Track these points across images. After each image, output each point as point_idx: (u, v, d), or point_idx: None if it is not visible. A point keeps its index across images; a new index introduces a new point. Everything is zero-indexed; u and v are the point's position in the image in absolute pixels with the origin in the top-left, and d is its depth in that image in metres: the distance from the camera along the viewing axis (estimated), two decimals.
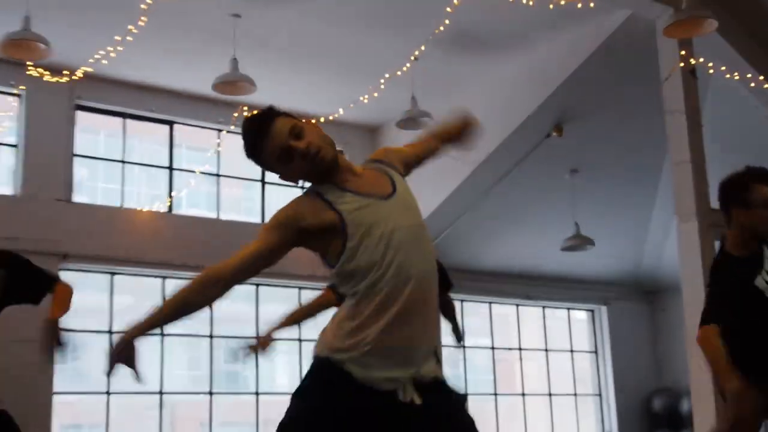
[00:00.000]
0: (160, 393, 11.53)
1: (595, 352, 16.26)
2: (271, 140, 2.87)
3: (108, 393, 11.06)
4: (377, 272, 2.75)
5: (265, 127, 2.89)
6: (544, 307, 15.65)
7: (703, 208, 9.68)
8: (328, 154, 2.87)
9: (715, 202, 9.90)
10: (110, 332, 11.18)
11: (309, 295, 13.01)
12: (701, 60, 10.01)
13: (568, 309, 16.04)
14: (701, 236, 9.59)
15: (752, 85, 10.34)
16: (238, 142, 10.32)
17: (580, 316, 16.33)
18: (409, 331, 2.76)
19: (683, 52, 9.79)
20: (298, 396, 2.96)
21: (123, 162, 11.97)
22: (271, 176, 11.67)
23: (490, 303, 14.90)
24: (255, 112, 3.05)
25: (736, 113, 11.36)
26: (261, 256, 2.84)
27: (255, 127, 2.94)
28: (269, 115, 2.92)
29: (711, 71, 10.17)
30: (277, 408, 12.02)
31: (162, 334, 11.70)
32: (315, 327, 12.87)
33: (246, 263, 2.83)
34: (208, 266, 2.87)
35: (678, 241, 9.88)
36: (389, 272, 2.75)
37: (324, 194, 2.87)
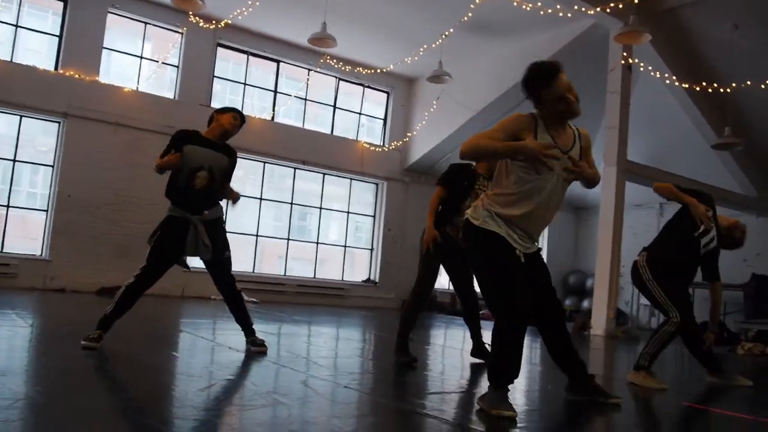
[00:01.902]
0: (256, 235, 11.94)
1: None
2: (560, 81, 2.94)
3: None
4: (533, 188, 2.92)
5: (558, 73, 2.95)
6: None
7: (621, 158, 9.71)
8: (577, 113, 2.99)
9: (630, 156, 9.98)
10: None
11: (358, 186, 13.36)
12: (636, 60, 9.85)
13: None
14: (617, 177, 9.66)
15: (667, 82, 10.17)
16: (321, 78, 10.33)
17: None
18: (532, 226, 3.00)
19: (625, 54, 9.65)
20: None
21: (245, 83, 12.01)
22: (340, 102, 11.78)
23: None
24: (549, 62, 3.03)
25: (654, 99, 11.19)
26: (491, 136, 2.90)
27: (555, 68, 2.96)
28: (560, 67, 2.98)
29: (641, 69, 10.01)
30: (329, 252, 12.29)
31: (260, 198, 12.02)
32: (360, 203, 13.08)
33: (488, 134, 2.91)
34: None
35: (603, 178, 9.93)
36: (538, 194, 2.93)
37: (538, 124, 2.96)
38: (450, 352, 5.77)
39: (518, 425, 2.64)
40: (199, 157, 4.08)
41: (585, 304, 15.13)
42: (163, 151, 4.12)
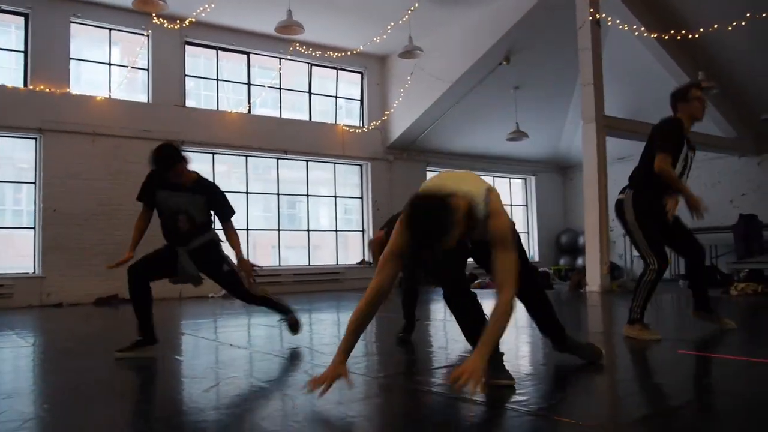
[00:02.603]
0: (246, 229, 11.94)
1: (527, 206, 16.54)
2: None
3: (213, 228, 11.46)
4: None
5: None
6: (493, 177, 15.79)
7: (599, 115, 9.75)
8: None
9: (609, 111, 10.01)
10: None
11: (343, 169, 13.36)
12: (604, 15, 9.84)
13: (509, 178, 16.20)
14: (597, 133, 9.70)
15: (636, 33, 10.19)
16: (294, 65, 10.26)
17: (518, 183, 16.51)
18: None
19: (592, 9, 9.63)
20: None
21: (217, 79, 11.92)
22: (315, 87, 11.68)
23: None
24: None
25: (626, 52, 11.21)
26: None
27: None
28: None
29: (609, 23, 10.02)
30: (321, 238, 12.33)
31: (247, 192, 12.01)
32: (346, 186, 13.04)
33: None
34: None
35: (582, 135, 9.98)
36: None
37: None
38: (451, 325, 5.83)
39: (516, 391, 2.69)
40: (174, 204, 4.06)
41: (579, 261, 15.26)
42: (138, 194, 4.22)
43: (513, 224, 2.65)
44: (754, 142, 12.56)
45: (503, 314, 2.39)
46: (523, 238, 16.03)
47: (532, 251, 16.24)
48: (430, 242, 2.31)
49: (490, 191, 2.55)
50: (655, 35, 10.08)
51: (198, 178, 4.17)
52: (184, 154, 4.14)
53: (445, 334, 5.02)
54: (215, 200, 4.17)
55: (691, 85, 4.57)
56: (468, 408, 2.50)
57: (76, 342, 5.28)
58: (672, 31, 9.81)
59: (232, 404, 2.74)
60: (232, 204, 4.29)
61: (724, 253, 12.48)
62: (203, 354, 4.31)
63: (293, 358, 3.87)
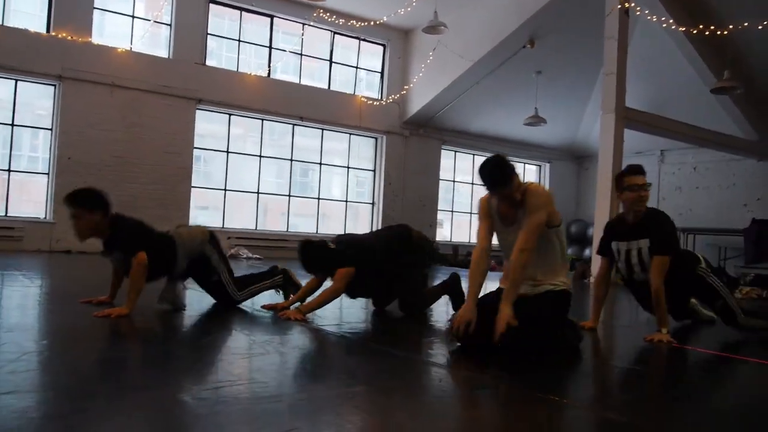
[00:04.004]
0: (257, 192, 12.00)
1: None
2: (506, 190, 3.18)
3: (225, 189, 11.57)
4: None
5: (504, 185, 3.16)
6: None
7: (619, 106, 9.64)
8: (517, 204, 3.21)
9: (630, 102, 9.91)
10: (227, 152, 11.58)
11: (357, 141, 13.35)
12: (633, 4, 9.67)
13: (524, 163, 16.12)
14: (616, 124, 9.60)
15: (664, 26, 10.02)
16: (316, 32, 10.15)
17: (532, 168, 16.45)
18: None
19: None
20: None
21: (239, 40, 11.89)
22: (336, 56, 11.59)
23: (473, 155, 15.01)
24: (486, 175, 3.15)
25: (651, 44, 11.05)
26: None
27: (497, 181, 3.15)
28: (508, 178, 3.13)
29: (638, 12, 9.85)
30: (331, 207, 12.35)
31: (260, 156, 12.04)
32: (360, 157, 12.99)
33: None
34: None
35: (601, 125, 9.89)
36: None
37: (491, 206, 3.33)
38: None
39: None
40: None
41: (587, 252, 15.24)
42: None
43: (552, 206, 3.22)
44: None
45: (515, 268, 3.02)
46: None
47: None
48: (501, 181, 3.07)
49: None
50: (684, 29, 9.91)
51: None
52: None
53: (447, 310, 5.05)
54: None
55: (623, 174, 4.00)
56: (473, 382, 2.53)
57: (82, 287, 5.38)
58: (701, 26, 9.64)
59: (226, 356, 2.79)
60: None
61: (734, 256, 12.42)
62: (206, 311, 4.36)
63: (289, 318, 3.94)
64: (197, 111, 11.07)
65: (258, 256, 10.77)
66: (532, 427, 1.95)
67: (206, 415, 1.80)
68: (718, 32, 9.49)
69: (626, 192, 3.82)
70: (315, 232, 12.74)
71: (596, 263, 9.51)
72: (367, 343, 3.36)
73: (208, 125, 11.51)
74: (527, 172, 16.35)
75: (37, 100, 10.33)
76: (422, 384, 2.46)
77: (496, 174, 3.08)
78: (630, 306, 5.52)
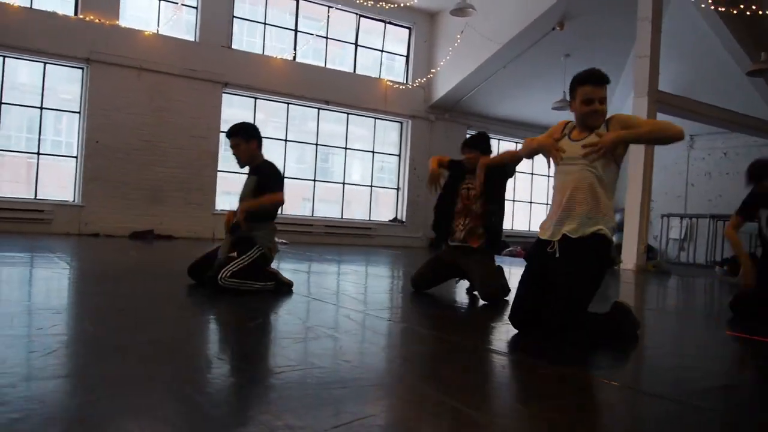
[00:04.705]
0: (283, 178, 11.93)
1: None
2: (591, 89, 2.99)
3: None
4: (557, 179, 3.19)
5: (579, 84, 3.03)
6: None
7: (652, 89, 9.43)
8: (598, 123, 3.02)
9: (661, 86, 9.68)
10: None
11: (382, 125, 13.23)
12: None
13: None
14: (648, 108, 9.41)
15: (703, 6, 9.75)
16: (342, 16, 10.02)
17: None
18: None
19: None
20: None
21: (264, 24, 11.78)
22: (361, 40, 11.48)
23: (498, 140, 14.84)
24: (582, 73, 3.06)
25: (685, 26, 10.78)
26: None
27: (578, 78, 3.04)
28: (603, 78, 3.01)
29: None
30: (353, 192, 12.28)
31: (285, 140, 11.97)
32: (385, 143, 12.88)
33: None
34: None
35: (632, 110, 9.68)
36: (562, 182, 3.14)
37: (566, 128, 3.15)
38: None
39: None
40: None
41: (613, 238, 15.01)
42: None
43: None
44: None
45: (662, 125, 3.08)
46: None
47: None
48: (605, 79, 3.01)
49: None
50: (723, 9, 9.64)
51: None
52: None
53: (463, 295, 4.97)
54: (259, 184, 4.16)
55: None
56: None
57: (117, 269, 5.36)
58: (741, 6, 9.36)
59: (279, 339, 2.73)
60: (270, 156, 4.36)
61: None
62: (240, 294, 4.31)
63: (330, 302, 3.86)
64: (223, 94, 11.01)
65: (284, 241, 10.73)
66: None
67: (276, 399, 1.73)
68: (760, 12, 9.21)
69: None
70: (340, 217, 12.69)
71: (630, 247, 9.45)
72: (414, 327, 3.28)
73: (235, 110, 11.45)
74: None
75: (62, 84, 10.33)
76: (485, 370, 2.38)
77: (601, 72, 3.02)
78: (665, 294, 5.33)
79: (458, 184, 4.53)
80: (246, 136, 4.20)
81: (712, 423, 1.85)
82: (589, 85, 3.00)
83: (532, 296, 2.97)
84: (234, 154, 4.25)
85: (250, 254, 4.02)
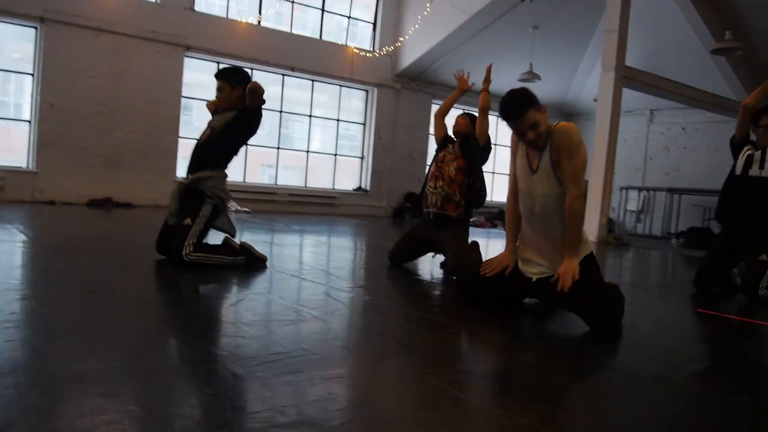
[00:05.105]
0: (246, 144, 11.64)
1: None
2: (521, 122, 2.84)
3: None
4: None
5: (521, 113, 2.83)
6: (497, 117, 15.53)
7: (620, 63, 9.50)
8: (539, 146, 2.88)
9: (631, 62, 9.75)
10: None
11: (347, 93, 13.04)
12: None
13: None
14: (615, 83, 9.48)
15: None
16: None
17: None
18: None
19: None
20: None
21: None
22: (328, 6, 11.17)
23: (464, 111, 14.78)
24: (509, 103, 2.88)
25: (651, 2, 10.84)
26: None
27: (509, 115, 2.88)
28: (518, 111, 2.83)
29: None
30: (317, 160, 12.08)
31: None
32: (350, 111, 12.67)
33: None
34: None
35: (600, 83, 9.75)
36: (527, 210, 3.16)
37: (519, 144, 3.05)
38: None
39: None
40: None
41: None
42: None
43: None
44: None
45: (573, 218, 2.79)
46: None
47: None
48: (520, 111, 2.79)
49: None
50: None
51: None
52: None
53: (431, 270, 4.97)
54: (236, 120, 4.08)
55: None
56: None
57: (83, 241, 5.17)
58: None
59: (264, 322, 2.66)
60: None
61: None
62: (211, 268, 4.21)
63: (310, 279, 3.80)
64: (185, 58, 10.65)
65: (246, 209, 10.56)
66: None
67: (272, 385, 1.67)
68: None
69: (759, 128, 4.43)
70: (304, 185, 12.54)
71: (593, 219, 9.60)
72: (403, 308, 3.24)
73: (196, 74, 11.09)
74: None
75: (11, 42, 9.81)
76: (469, 351, 2.36)
77: (514, 103, 2.83)
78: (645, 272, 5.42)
79: (440, 152, 4.60)
80: (232, 83, 4.02)
81: (705, 404, 1.88)
82: (511, 122, 2.89)
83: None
84: (216, 97, 4.13)
85: (203, 213, 3.90)
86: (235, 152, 4.12)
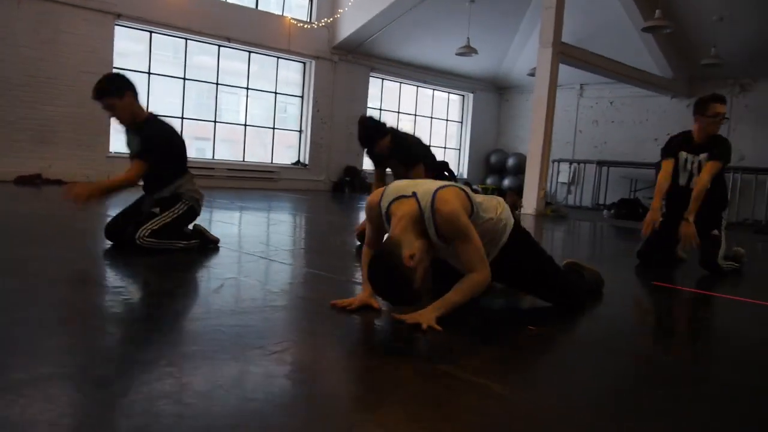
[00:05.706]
0: (182, 118, 11.33)
1: (462, 122, 16.63)
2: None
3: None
4: None
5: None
6: (433, 90, 15.71)
7: (556, 39, 9.73)
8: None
9: (565, 38, 10.00)
10: (149, 73, 10.68)
11: (284, 65, 12.78)
12: None
13: (449, 93, 16.14)
14: (552, 59, 9.72)
15: None
16: None
17: (456, 99, 16.48)
18: None
19: None
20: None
21: None
22: None
23: (400, 83, 14.86)
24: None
25: None
26: None
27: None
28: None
29: None
30: (255, 133, 11.84)
31: (184, 78, 11.30)
32: (288, 83, 12.36)
33: None
34: None
35: (538, 59, 9.96)
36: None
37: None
38: None
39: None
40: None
41: (506, 182, 15.68)
42: None
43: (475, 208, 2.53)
44: (688, 85, 13.03)
45: (471, 286, 2.40)
46: (453, 154, 16.46)
47: (462, 168, 16.49)
48: (397, 297, 2.33)
49: (439, 190, 2.43)
50: None
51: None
52: None
53: None
54: (142, 145, 3.79)
55: (709, 101, 4.38)
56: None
57: (18, 223, 4.92)
58: None
59: (252, 309, 2.64)
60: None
61: (644, 187, 13.16)
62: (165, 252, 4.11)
63: (280, 261, 3.78)
64: (116, 27, 10.16)
65: None
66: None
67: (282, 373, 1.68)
68: None
69: (707, 117, 4.31)
70: (242, 159, 12.31)
71: (531, 191, 9.88)
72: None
73: (128, 43, 10.62)
74: (451, 102, 16.40)
75: None
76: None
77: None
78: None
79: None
80: (118, 93, 3.62)
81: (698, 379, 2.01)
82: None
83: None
84: (111, 116, 3.71)
85: (175, 209, 3.83)
86: (178, 157, 3.93)
